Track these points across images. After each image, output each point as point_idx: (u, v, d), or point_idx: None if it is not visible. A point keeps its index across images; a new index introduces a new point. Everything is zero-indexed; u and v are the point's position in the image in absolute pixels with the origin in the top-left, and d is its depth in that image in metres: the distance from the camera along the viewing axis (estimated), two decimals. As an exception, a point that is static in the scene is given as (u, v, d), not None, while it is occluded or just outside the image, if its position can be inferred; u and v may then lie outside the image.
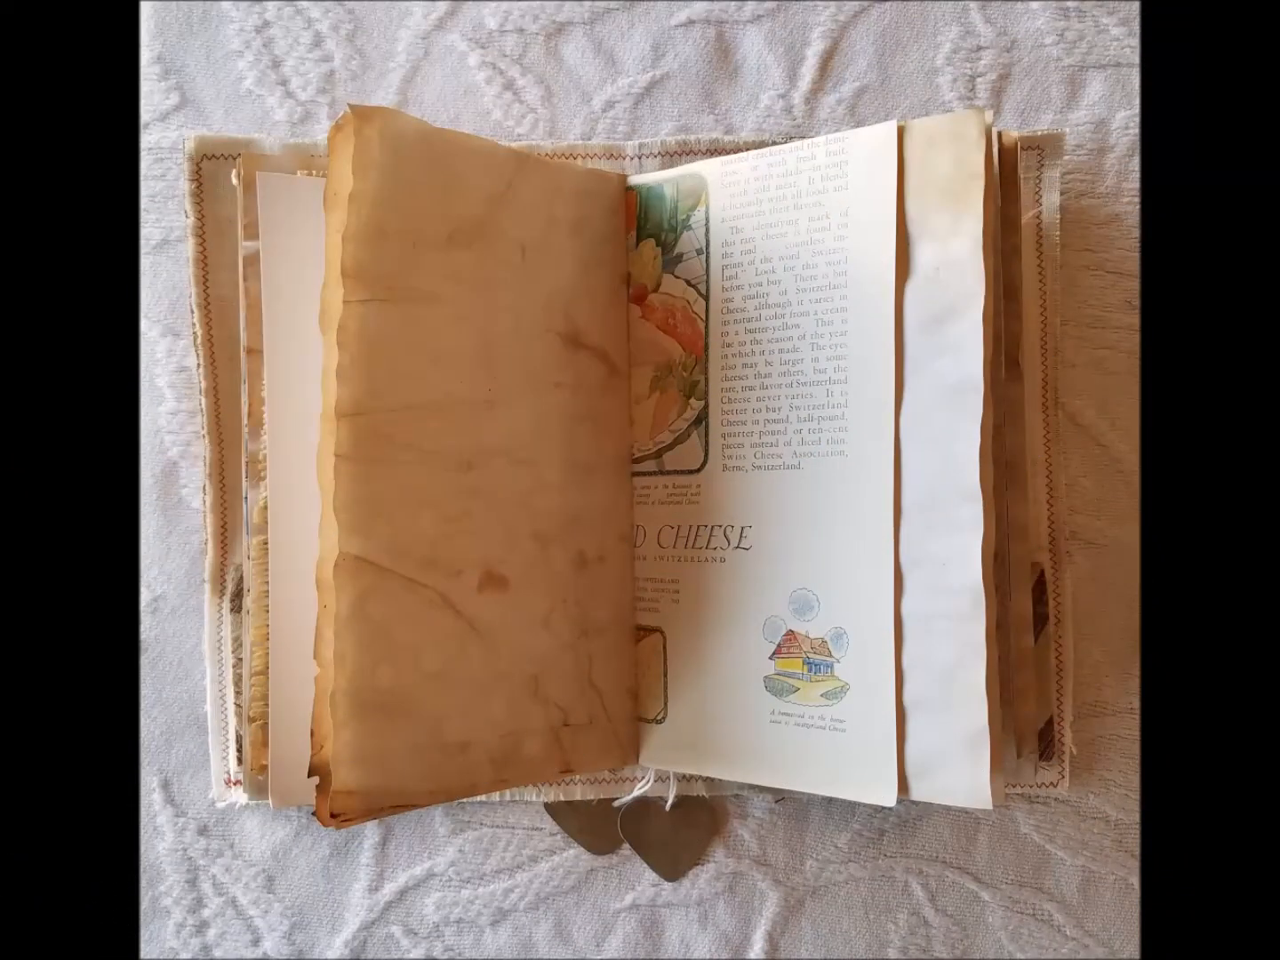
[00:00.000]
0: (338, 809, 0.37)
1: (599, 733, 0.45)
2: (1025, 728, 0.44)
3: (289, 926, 0.49)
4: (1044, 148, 0.46)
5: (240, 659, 0.46)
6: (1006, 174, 0.41)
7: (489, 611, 0.42)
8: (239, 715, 0.46)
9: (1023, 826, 0.48)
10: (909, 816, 0.49)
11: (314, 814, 0.40)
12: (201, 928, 0.49)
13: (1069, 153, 0.48)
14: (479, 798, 0.47)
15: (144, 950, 0.49)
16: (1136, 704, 0.48)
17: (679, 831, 0.49)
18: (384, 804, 0.39)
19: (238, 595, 0.47)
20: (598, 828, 0.49)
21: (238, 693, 0.46)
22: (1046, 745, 0.46)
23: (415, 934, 0.49)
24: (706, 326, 0.45)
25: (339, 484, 0.38)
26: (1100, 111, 0.49)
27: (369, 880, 0.49)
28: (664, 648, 0.46)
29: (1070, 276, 0.48)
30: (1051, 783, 0.47)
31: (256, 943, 0.49)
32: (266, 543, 0.44)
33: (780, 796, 0.49)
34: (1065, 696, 0.47)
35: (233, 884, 0.49)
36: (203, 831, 0.49)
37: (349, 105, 0.38)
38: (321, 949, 0.49)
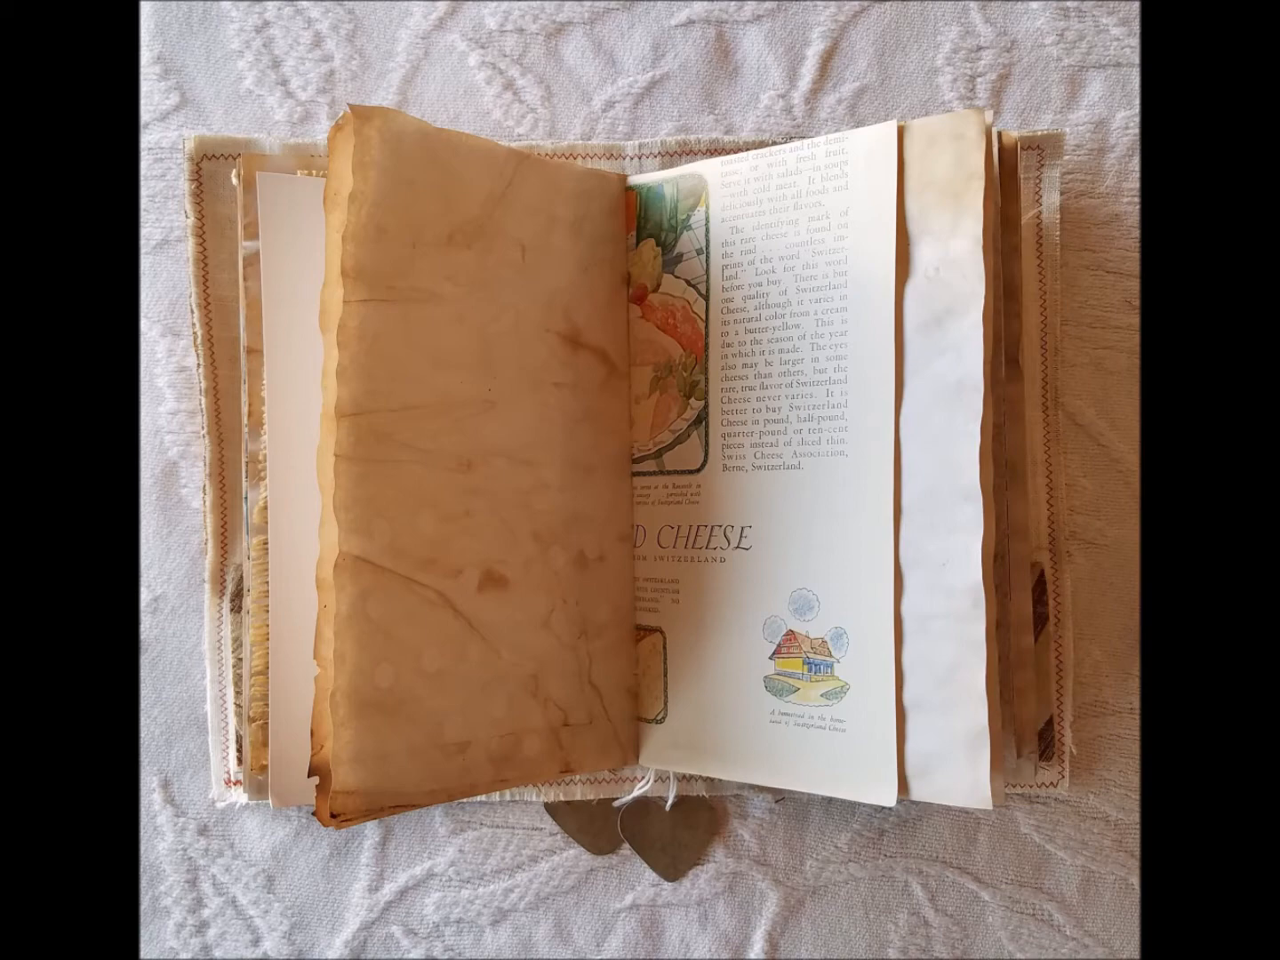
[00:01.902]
0: (338, 809, 0.37)
1: (599, 732, 0.45)
2: (1025, 728, 0.44)
3: (289, 926, 0.49)
4: (1044, 148, 0.46)
5: (240, 659, 0.46)
6: (1006, 174, 0.42)
7: (489, 611, 0.42)
8: (239, 715, 0.46)
9: (1023, 826, 0.48)
10: (909, 816, 0.49)
11: (314, 814, 0.40)
12: (201, 928, 0.49)
13: (1069, 153, 0.48)
14: (479, 798, 0.47)
15: (144, 950, 0.49)
16: (1136, 704, 0.48)
17: (679, 831, 0.49)
18: (384, 804, 0.39)
19: (238, 595, 0.47)
20: (598, 828, 0.49)
21: (238, 693, 0.47)
22: (1046, 745, 0.46)
23: (415, 934, 0.49)
24: (706, 326, 0.45)
25: (339, 484, 0.38)
26: (1100, 111, 0.49)
27: (369, 880, 0.49)
28: (664, 648, 0.46)
29: (1070, 276, 0.48)
30: (1051, 783, 0.47)
31: (256, 943, 0.49)
32: (266, 543, 0.44)
33: (780, 796, 0.49)
34: (1065, 696, 0.47)
35: (233, 884, 0.49)
36: (203, 831, 0.49)
37: (349, 105, 0.38)
38: (321, 949, 0.49)
